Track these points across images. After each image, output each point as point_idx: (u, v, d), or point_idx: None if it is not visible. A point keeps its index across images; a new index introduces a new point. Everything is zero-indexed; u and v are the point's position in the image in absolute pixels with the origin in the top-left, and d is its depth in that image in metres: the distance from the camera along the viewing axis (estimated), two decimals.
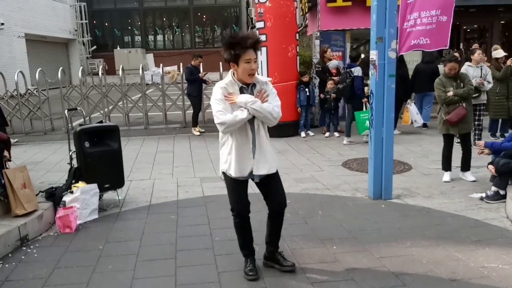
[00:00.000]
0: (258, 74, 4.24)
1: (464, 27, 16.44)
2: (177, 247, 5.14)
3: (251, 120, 4.15)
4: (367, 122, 9.38)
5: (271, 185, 4.42)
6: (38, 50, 29.84)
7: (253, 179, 4.36)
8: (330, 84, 11.16)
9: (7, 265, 4.82)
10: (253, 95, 4.14)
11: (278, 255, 4.63)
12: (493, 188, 6.34)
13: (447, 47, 6.68)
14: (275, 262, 4.60)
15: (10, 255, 5.05)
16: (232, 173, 4.24)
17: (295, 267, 4.55)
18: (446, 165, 7.37)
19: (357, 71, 10.39)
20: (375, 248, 4.96)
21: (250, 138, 4.20)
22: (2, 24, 24.44)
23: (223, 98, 4.08)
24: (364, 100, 10.35)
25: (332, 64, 11.61)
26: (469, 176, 7.28)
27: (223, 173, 4.37)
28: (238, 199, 4.37)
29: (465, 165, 7.33)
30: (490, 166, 6.37)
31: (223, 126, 4.05)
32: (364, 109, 10.34)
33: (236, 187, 4.34)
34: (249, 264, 4.50)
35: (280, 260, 4.59)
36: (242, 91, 4.14)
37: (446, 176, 7.31)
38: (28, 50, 27.54)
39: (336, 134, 11.27)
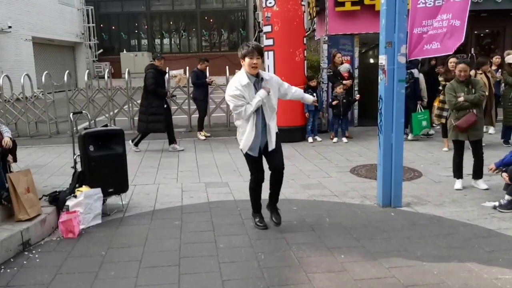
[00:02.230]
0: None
1: (476, 32, 16.29)
2: (181, 254, 5.04)
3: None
4: (424, 122, 10.71)
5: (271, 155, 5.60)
6: (44, 53, 29.94)
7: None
8: (339, 89, 11.06)
9: (8, 270, 4.74)
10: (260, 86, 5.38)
11: (274, 209, 5.83)
12: (507, 197, 6.17)
13: (463, 41, 6.51)
14: (270, 212, 5.82)
15: (12, 260, 4.98)
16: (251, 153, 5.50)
17: (280, 223, 5.65)
18: (457, 173, 7.23)
19: (417, 73, 10.90)
20: (384, 258, 4.84)
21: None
22: (10, 27, 24.51)
23: (238, 94, 5.26)
24: (420, 102, 10.99)
25: (344, 67, 11.52)
26: (481, 184, 7.12)
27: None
28: (257, 168, 5.63)
29: (477, 173, 7.18)
30: (504, 174, 6.23)
31: (241, 115, 5.35)
32: (417, 110, 10.93)
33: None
34: (258, 217, 5.79)
35: (273, 212, 5.78)
36: (255, 84, 5.36)
37: (458, 183, 7.17)
38: (34, 53, 27.64)
39: (344, 139, 11.15)
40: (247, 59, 5.27)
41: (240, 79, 5.33)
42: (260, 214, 5.83)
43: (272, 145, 5.45)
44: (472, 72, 9.06)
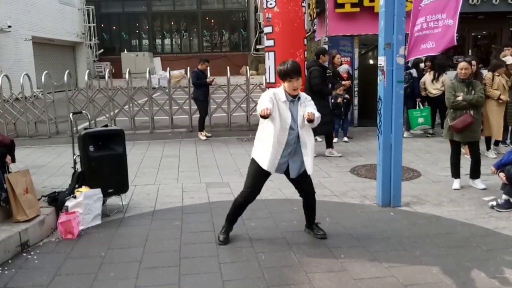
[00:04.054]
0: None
1: (473, 34, 16.36)
2: (181, 255, 5.05)
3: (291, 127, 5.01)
4: (420, 119, 11.21)
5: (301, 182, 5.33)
6: (44, 53, 29.92)
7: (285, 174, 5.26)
8: (340, 90, 11.08)
9: (6, 272, 4.73)
10: (297, 106, 5.05)
11: (314, 225, 5.55)
12: (504, 197, 6.22)
13: (455, 44, 6.49)
14: (311, 230, 5.53)
15: (10, 261, 4.96)
16: (265, 166, 5.07)
17: (326, 235, 5.40)
18: (455, 172, 7.26)
19: (415, 73, 11.24)
20: (383, 257, 4.86)
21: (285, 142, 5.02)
22: (9, 26, 24.49)
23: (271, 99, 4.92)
24: (419, 100, 11.49)
25: (343, 68, 11.56)
26: (479, 183, 7.15)
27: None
28: (256, 185, 5.26)
29: (475, 173, 7.23)
30: (501, 174, 6.24)
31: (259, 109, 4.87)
32: (417, 107, 11.50)
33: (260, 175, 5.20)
34: (224, 232, 5.41)
35: (314, 229, 5.51)
36: (291, 102, 5.04)
37: (456, 183, 7.19)
38: (34, 53, 27.63)
39: (345, 139, 11.18)
40: (286, 83, 5.00)
41: (278, 92, 5.05)
42: (230, 228, 5.44)
43: (298, 169, 5.15)
44: (490, 75, 9.02)
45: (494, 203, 6.28)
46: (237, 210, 5.39)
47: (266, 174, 5.17)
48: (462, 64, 7.01)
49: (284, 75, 4.99)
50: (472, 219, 5.93)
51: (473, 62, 8.17)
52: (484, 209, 6.25)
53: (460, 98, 6.92)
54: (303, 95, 5.19)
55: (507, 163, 6.25)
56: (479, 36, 16.88)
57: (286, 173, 5.23)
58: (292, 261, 4.82)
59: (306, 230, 5.58)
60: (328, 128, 9.59)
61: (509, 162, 6.23)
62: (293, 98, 5.05)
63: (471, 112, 6.92)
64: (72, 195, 5.96)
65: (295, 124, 5.01)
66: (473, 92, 6.96)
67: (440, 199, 6.72)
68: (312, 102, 5.16)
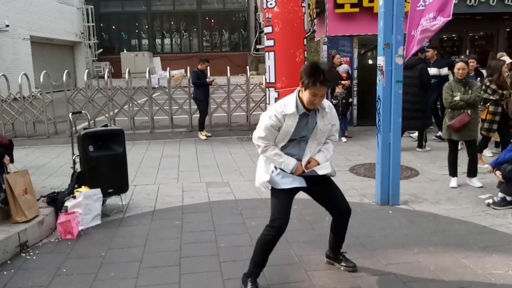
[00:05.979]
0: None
1: (470, 34, 16.43)
2: (182, 254, 5.07)
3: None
4: None
5: (329, 191, 4.43)
6: (43, 52, 29.89)
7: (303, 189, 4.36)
8: (339, 89, 11.13)
9: (5, 273, 4.73)
10: (314, 120, 4.08)
11: (341, 256, 4.68)
12: (500, 194, 6.28)
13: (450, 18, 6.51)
14: (337, 261, 4.67)
15: (9, 262, 4.96)
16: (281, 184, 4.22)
17: (356, 267, 4.59)
18: (452, 171, 7.31)
19: None
20: (382, 255, 4.90)
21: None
22: (7, 26, 24.47)
23: (273, 124, 4.02)
24: None
25: (342, 68, 11.59)
26: (476, 182, 7.21)
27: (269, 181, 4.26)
28: (283, 209, 4.29)
29: (472, 171, 7.29)
30: (498, 172, 6.29)
31: (259, 150, 4.19)
32: None
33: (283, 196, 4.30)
34: (252, 279, 4.19)
35: (342, 260, 4.65)
36: (303, 116, 4.04)
37: (453, 182, 7.24)
38: (33, 53, 27.62)
39: (344, 139, 11.20)
40: (308, 91, 3.88)
41: (286, 104, 4.04)
42: (258, 276, 4.25)
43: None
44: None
45: (491, 200, 6.34)
46: (266, 250, 4.20)
47: (287, 194, 4.32)
48: (459, 65, 7.07)
49: (314, 81, 3.80)
50: (469, 216, 5.97)
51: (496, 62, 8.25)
52: (481, 207, 6.30)
53: (457, 98, 6.97)
54: (326, 105, 4.17)
55: (503, 161, 6.30)
56: (476, 37, 16.94)
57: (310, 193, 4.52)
58: (292, 259, 4.85)
59: (327, 261, 4.79)
60: (431, 121, 10.34)
61: (505, 161, 6.28)
62: (307, 112, 4.06)
63: (469, 112, 6.97)
64: (71, 195, 5.96)
65: (306, 136, 4.17)
66: (470, 92, 7.01)
67: (438, 197, 6.76)
68: (334, 115, 4.27)
